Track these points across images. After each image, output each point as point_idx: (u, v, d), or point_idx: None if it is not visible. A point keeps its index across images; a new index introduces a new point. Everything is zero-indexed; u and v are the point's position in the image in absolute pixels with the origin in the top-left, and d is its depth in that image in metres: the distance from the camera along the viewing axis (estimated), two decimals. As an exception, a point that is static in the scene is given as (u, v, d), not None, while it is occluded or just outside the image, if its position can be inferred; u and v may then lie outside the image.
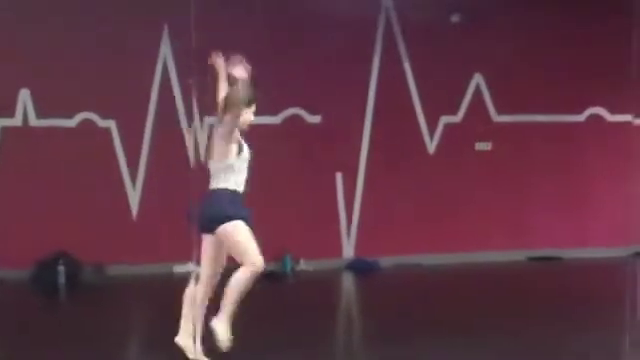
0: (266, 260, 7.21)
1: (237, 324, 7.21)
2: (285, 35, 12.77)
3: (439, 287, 12.07)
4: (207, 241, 7.35)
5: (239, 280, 7.10)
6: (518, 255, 13.74)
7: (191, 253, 11.34)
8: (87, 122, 12.37)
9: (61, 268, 11.94)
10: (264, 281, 11.38)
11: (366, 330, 9.64)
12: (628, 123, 14.02)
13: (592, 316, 9.82)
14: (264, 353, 7.75)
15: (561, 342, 8.53)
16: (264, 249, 7.25)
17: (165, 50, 12.50)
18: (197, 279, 7.46)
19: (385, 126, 13.22)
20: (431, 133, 13.48)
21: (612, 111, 14.00)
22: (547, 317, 9.84)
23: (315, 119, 12.92)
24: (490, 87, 13.60)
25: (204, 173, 7.33)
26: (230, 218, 7.14)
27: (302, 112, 12.91)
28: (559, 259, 13.81)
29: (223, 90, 7.36)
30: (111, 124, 12.42)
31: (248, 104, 7.29)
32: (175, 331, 7.44)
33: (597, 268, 13.19)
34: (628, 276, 12.96)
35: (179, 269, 12.03)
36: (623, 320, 9.72)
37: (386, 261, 13.14)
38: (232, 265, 7.27)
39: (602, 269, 13.11)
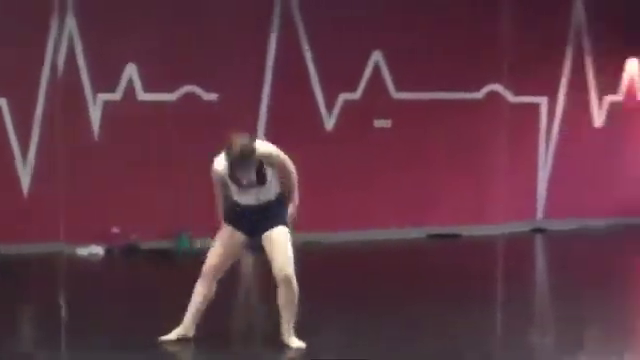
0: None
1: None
2: (181, 10, 12.60)
3: (336, 265, 12.07)
4: None
5: None
6: (418, 232, 13.79)
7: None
8: (-22, 100, 12.15)
9: (-51, 248, 11.73)
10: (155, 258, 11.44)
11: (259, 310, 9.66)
12: (528, 102, 14.24)
13: (483, 293, 9.89)
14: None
15: (449, 319, 8.59)
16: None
17: (56, 25, 12.28)
18: None
19: (283, 103, 13.10)
20: (329, 110, 13.43)
21: (510, 89, 14.07)
22: (437, 294, 9.93)
23: (211, 96, 12.80)
24: (389, 64, 13.58)
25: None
26: None
27: (198, 89, 12.76)
28: (458, 236, 13.89)
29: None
30: (2, 102, 12.17)
31: None
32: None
33: (495, 245, 13.29)
34: (524, 252, 13.16)
35: (69, 249, 11.94)
36: (515, 296, 9.85)
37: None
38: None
39: (500, 246, 13.22)
